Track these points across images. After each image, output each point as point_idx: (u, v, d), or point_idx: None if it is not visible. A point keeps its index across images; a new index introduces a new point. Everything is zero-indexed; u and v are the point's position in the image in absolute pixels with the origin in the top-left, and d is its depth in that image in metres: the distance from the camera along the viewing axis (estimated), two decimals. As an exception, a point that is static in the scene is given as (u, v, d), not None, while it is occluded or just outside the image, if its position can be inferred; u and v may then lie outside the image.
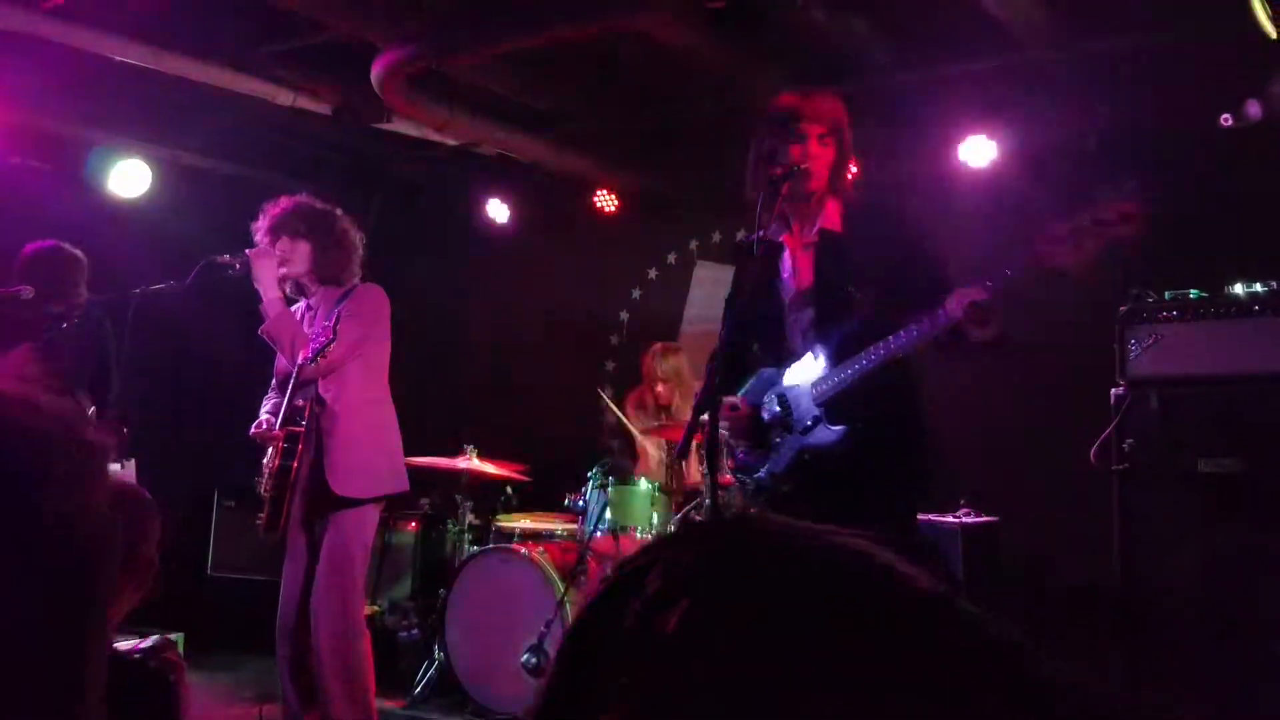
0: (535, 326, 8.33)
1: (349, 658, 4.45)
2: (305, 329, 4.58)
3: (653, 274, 8.24)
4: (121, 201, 7.10)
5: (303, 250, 4.60)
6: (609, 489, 5.61)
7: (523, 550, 5.64)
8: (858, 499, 3.20)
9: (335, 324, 4.21)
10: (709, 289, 7.92)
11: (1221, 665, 4.16)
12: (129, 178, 7.05)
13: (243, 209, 7.12)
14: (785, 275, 3.52)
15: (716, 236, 7.91)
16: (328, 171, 8.35)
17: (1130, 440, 4.46)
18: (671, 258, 8.16)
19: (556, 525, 6.22)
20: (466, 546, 6.22)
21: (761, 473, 3.48)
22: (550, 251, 8.51)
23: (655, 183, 7.93)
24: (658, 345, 6.69)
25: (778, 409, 3.44)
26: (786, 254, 3.52)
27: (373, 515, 4.62)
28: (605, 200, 7.91)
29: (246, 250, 4.52)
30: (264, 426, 4.59)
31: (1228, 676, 4.13)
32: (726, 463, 3.71)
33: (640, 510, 5.58)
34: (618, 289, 8.33)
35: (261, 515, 4.54)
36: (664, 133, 7.54)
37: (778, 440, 3.44)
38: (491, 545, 5.96)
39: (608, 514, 5.54)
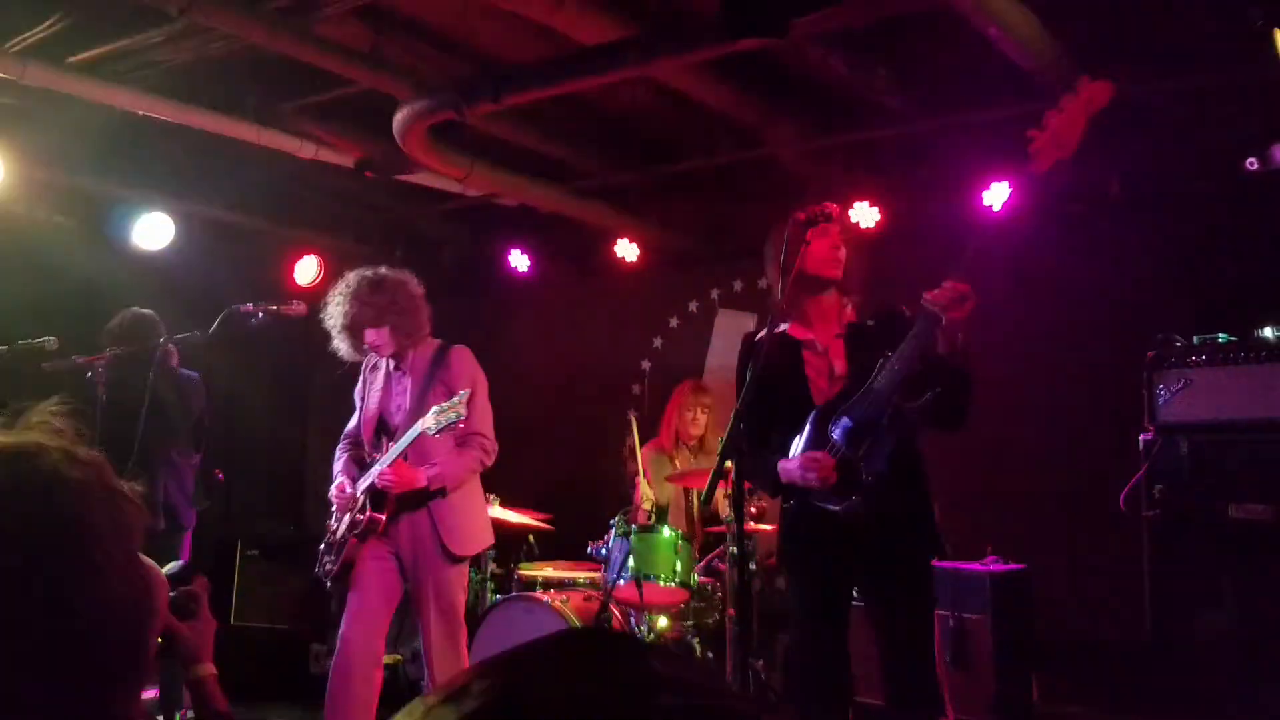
0: (558, 376, 8.32)
1: None
2: (394, 385, 4.77)
3: (674, 323, 8.24)
4: (145, 254, 7.15)
5: (385, 335, 4.66)
6: (632, 537, 5.57)
7: (545, 599, 5.59)
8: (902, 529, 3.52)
9: (462, 401, 4.34)
10: (731, 337, 7.91)
11: (1255, 715, 4.08)
12: (153, 231, 7.11)
13: (266, 260, 7.18)
14: (810, 362, 3.71)
15: (738, 285, 7.90)
16: (350, 224, 8.41)
17: (1160, 486, 4.41)
18: (693, 306, 8.15)
19: (579, 574, 6.18)
20: (489, 595, 6.18)
21: (838, 502, 3.51)
22: (572, 301, 8.54)
23: (676, 232, 7.95)
24: (688, 383, 6.79)
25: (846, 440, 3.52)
26: (815, 344, 3.73)
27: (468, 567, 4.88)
28: (626, 250, 7.92)
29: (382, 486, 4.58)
30: (346, 491, 4.68)
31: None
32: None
33: (664, 558, 5.54)
34: (640, 338, 8.32)
35: (333, 562, 4.65)
36: (684, 182, 7.56)
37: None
38: (514, 594, 5.92)
39: (631, 562, 5.50)
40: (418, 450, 4.59)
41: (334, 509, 4.77)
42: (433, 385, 4.65)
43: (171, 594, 1.86)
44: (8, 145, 6.23)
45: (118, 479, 1.04)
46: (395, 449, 4.56)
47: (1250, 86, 5.19)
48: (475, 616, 5.88)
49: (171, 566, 1.87)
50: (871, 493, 3.43)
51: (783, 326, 3.72)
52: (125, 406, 5.02)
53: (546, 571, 6.24)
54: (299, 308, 4.94)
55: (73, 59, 5.51)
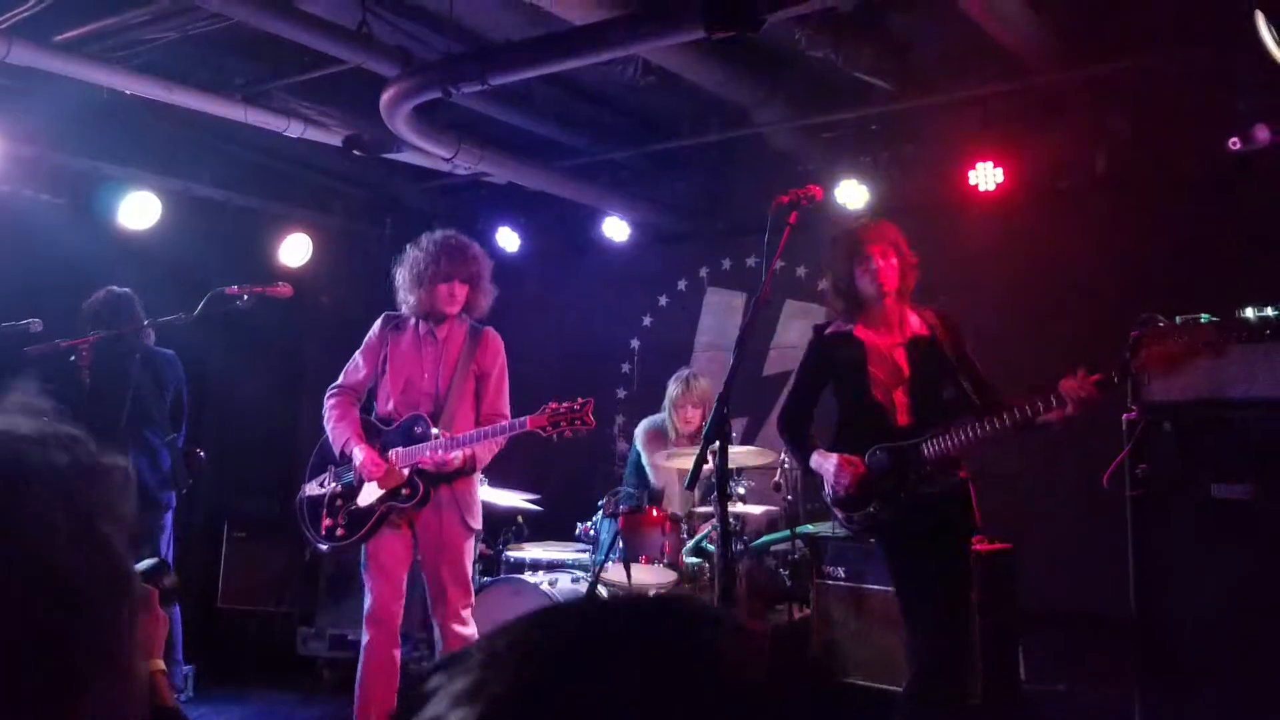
0: (547, 355, 8.31)
1: None
2: (423, 350, 4.81)
3: (664, 301, 8.24)
4: (132, 234, 7.11)
5: (463, 296, 4.79)
6: (620, 518, 5.58)
7: (533, 580, 5.61)
8: (947, 526, 4.09)
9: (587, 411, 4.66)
10: (720, 315, 7.92)
11: (1238, 692, 4.11)
12: (139, 210, 7.07)
13: (254, 238, 7.15)
14: (874, 364, 4.15)
15: (727, 263, 7.91)
16: (339, 202, 8.38)
17: (1144, 466, 4.42)
18: (682, 284, 8.16)
19: (568, 555, 6.19)
20: (477, 577, 6.19)
21: (867, 510, 4.08)
22: (561, 280, 8.53)
23: (665, 210, 7.95)
24: (686, 371, 6.62)
25: (888, 463, 4.05)
26: (879, 347, 4.17)
27: None
28: (615, 228, 7.91)
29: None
30: (379, 464, 4.62)
31: (1244, 703, 4.08)
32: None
33: (651, 539, 5.56)
34: (629, 316, 8.33)
35: (345, 528, 4.65)
36: (673, 161, 7.55)
37: (887, 485, 4.05)
38: (502, 575, 5.93)
39: (619, 543, 5.52)
40: (440, 425, 4.63)
41: (352, 474, 4.68)
42: (468, 365, 4.78)
43: None
44: (-7, 124, 6.20)
45: (95, 456, 1.01)
46: (466, 436, 4.58)
47: (1233, 66, 5.19)
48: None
49: (145, 564, 1.87)
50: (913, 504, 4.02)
51: (849, 326, 4.18)
52: (107, 390, 5.00)
53: (535, 553, 6.25)
54: (285, 289, 4.92)
55: (58, 38, 5.47)
